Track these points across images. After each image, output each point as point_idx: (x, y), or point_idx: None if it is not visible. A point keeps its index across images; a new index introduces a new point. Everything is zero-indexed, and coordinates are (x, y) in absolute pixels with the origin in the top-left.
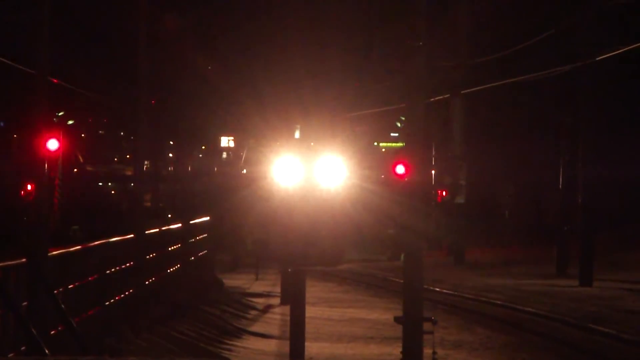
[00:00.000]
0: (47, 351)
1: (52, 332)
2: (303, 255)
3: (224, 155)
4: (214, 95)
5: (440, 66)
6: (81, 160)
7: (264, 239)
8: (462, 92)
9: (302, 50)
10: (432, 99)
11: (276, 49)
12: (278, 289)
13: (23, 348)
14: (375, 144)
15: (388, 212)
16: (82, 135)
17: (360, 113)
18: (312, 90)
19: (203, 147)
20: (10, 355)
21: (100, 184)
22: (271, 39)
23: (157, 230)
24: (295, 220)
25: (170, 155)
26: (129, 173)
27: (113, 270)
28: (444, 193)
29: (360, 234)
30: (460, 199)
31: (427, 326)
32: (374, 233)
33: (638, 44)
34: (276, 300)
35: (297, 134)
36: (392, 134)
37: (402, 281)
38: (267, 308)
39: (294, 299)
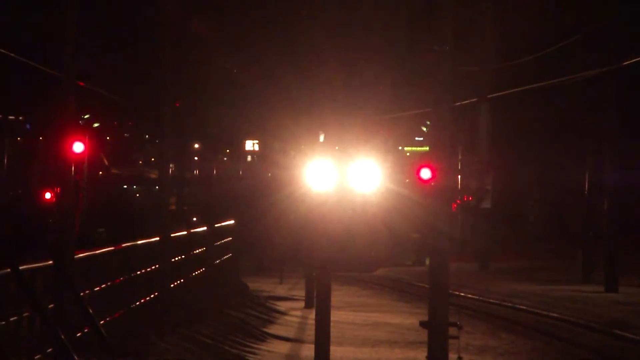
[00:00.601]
0: (74, 355)
1: (78, 335)
2: (337, 260)
3: (249, 158)
4: (240, 97)
5: (466, 71)
6: (106, 163)
7: (295, 244)
8: (489, 96)
9: (336, 51)
10: (459, 104)
11: (308, 49)
12: (302, 293)
13: (49, 350)
14: (400, 148)
15: (420, 218)
16: (108, 138)
17: (394, 116)
18: (345, 92)
19: (227, 151)
20: (37, 357)
21: (125, 186)
22: (302, 40)
23: (183, 233)
24: (329, 226)
25: (196, 158)
26: (153, 176)
27: (138, 273)
28: (469, 198)
29: (395, 239)
30: (486, 204)
31: (452, 331)
32: (407, 238)
33: None
34: (300, 304)
35: (321, 138)
36: (416, 138)
37: (426, 286)
38: (291, 311)
39: (319, 303)
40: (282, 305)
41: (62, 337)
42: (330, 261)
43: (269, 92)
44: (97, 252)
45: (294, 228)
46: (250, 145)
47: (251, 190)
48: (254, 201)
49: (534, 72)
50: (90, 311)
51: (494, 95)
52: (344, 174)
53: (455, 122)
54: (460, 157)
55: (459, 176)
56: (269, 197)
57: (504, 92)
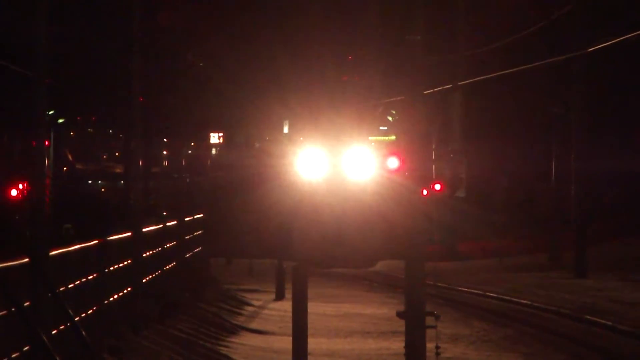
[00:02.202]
0: (53, 353)
1: (54, 332)
2: (330, 256)
3: (213, 151)
4: (205, 89)
5: (438, 60)
6: (70, 158)
7: (285, 238)
8: (460, 83)
9: (328, 37)
10: (432, 90)
11: (296, 34)
12: (272, 285)
13: (26, 348)
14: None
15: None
16: (71, 133)
17: (389, 101)
18: (339, 79)
19: (192, 144)
20: (15, 355)
21: (90, 182)
22: (288, 23)
23: (154, 228)
24: (322, 217)
25: (165, 152)
26: (118, 171)
27: (111, 269)
28: (437, 187)
29: (393, 231)
30: (460, 193)
31: (428, 321)
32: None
33: (629, 35)
34: (270, 296)
35: (285, 129)
36: (381, 128)
37: (395, 276)
38: (262, 304)
39: (295, 295)
40: (253, 298)
41: (41, 335)
42: (326, 256)
43: (234, 83)
44: (71, 248)
45: (284, 221)
46: (216, 137)
47: (231, 181)
48: (237, 193)
49: (504, 60)
50: (67, 308)
51: (464, 82)
52: (337, 161)
53: (428, 113)
54: (434, 146)
55: (433, 166)
56: (256, 188)
57: (474, 80)
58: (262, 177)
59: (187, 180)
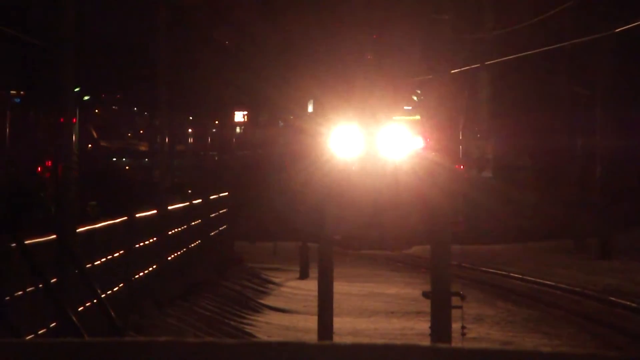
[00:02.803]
0: (80, 329)
1: (80, 309)
2: (365, 237)
3: (238, 129)
4: (230, 67)
5: (465, 38)
6: (95, 135)
7: (318, 219)
8: (487, 63)
9: (366, 15)
10: (459, 70)
11: (324, 11)
12: (296, 265)
13: (53, 324)
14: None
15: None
16: (97, 110)
17: (426, 78)
18: (374, 56)
19: (217, 122)
20: (42, 331)
21: (115, 159)
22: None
23: (179, 206)
24: (356, 198)
25: (190, 130)
26: (142, 148)
27: (137, 246)
28: (461, 167)
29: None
30: (487, 173)
31: (454, 301)
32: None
33: None
34: (295, 275)
35: (310, 108)
36: (405, 107)
37: (419, 257)
38: (287, 283)
39: (321, 273)
40: (277, 277)
41: (68, 311)
42: (360, 238)
43: (259, 61)
44: (97, 225)
45: (316, 201)
46: (240, 116)
47: (264, 160)
48: (271, 172)
49: (531, 40)
50: (94, 285)
51: (491, 61)
52: (372, 139)
53: (455, 93)
54: (461, 127)
55: (460, 147)
56: (290, 167)
57: (500, 59)
58: (292, 156)
59: (215, 158)
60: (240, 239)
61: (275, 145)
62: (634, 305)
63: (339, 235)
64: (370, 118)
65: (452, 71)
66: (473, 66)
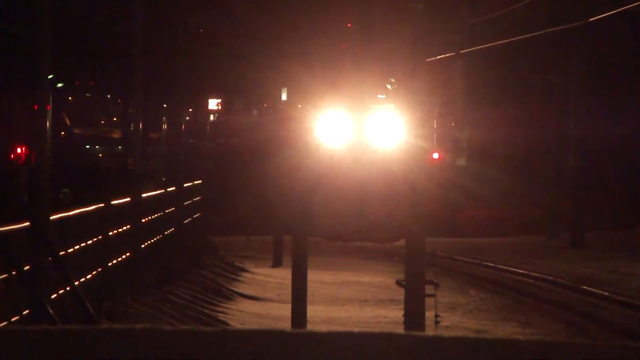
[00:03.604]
0: (54, 316)
1: (53, 296)
2: (355, 229)
3: (211, 117)
4: (206, 54)
5: (439, 28)
6: (68, 123)
7: (305, 210)
8: (462, 52)
9: (340, 3)
10: (434, 58)
11: (308, 2)
12: (269, 253)
13: (26, 312)
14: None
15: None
16: (70, 98)
17: (469, 50)
18: (349, 44)
19: (190, 110)
20: (15, 318)
21: (88, 146)
22: None
23: (153, 193)
24: (345, 188)
25: (164, 118)
26: (116, 136)
27: (110, 234)
28: (435, 155)
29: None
30: (461, 162)
31: (428, 289)
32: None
33: (629, 6)
34: (268, 263)
35: (284, 96)
36: (379, 96)
37: (392, 244)
38: (260, 271)
39: (295, 261)
40: (250, 265)
41: (42, 299)
42: (351, 230)
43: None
44: (71, 213)
45: (304, 191)
46: (214, 104)
47: (242, 149)
48: (249, 161)
49: (508, 30)
50: (68, 273)
51: (465, 50)
52: (361, 126)
53: (430, 82)
54: (435, 116)
55: (434, 135)
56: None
57: (475, 48)
58: (272, 144)
59: (190, 145)
60: (216, 233)
61: (250, 133)
62: (606, 294)
63: (321, 231)
64: (352, 105)
65: (427, 59)
66: (448, 55)
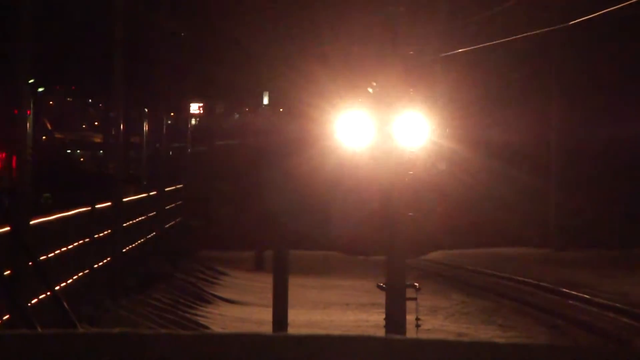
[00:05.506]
0: (34, 322)
1: (34, 301)
2: (377, 242)
3: (193, 121)
4: (186, 59)
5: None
6: (49, 127)
7: (322, 220)
8: (442, 55)
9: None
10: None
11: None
12: (251, 256)
13: (6, 317)
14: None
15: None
16: (50, 102)
17: (449, 54)
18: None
19: (172, 114)
20: None
21: (69, 151)
22: None
23: (134, 198)
24: (366, 196)
25: (146, 122)
26: (97, 140)
27: (91, 238)
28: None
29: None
30: (441, 165)
31: (409, 293)
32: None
33: (609, 9)
34: (249, 267)
35: (265, 100)
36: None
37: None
38: (241, 275)
39: (276, 264)
40: (231, 270)
41: (23, 305)
42: (374, 244)
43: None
44: (52, 217)
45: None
46: (196, 107)
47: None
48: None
49: (490, 32)
50: (48, 278)
51: (446, 54)
52: (385, 127)
53: (413, 84)
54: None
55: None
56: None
57: (455, 51)
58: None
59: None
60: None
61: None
62: (587, 296)
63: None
64: (380, 103)
65: (408, 62)
66: (428, 57)
